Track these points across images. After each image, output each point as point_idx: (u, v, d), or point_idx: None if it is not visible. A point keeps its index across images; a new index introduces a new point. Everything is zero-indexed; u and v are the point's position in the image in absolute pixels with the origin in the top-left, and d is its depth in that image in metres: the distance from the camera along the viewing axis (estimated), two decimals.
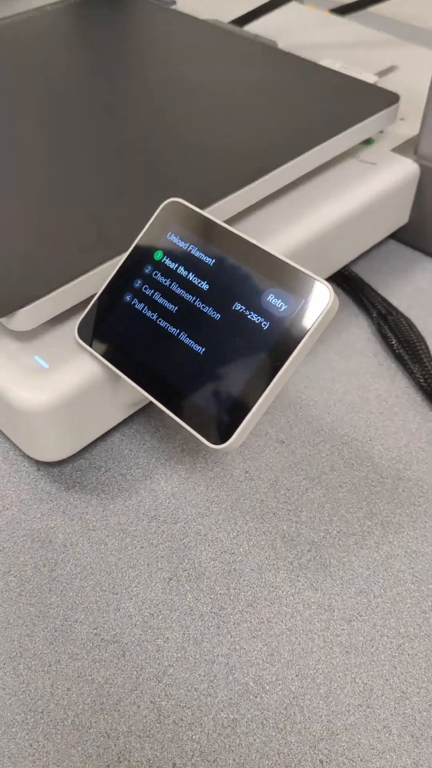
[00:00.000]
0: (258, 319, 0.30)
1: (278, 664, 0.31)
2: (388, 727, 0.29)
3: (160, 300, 0.33)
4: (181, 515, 0.35)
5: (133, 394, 0.36)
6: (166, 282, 0.33)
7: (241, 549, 0.34)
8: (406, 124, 0.50)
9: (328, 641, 0.31)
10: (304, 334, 0.29)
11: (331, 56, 0.58)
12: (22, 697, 0.30)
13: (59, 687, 0.30)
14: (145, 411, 0.40)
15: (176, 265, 0.33)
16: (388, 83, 0.54)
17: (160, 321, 0.32)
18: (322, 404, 0.41)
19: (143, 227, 0.34)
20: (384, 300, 0.45)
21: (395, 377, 0.42)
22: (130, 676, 0.30)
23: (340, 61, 0.56)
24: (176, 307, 0.32)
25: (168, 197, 0.34)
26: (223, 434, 0.30)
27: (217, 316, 0.31)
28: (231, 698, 0.30)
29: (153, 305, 0.33)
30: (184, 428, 0.32)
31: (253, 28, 0.62)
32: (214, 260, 0.32)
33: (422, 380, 0.41)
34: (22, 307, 0.32)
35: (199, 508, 0.36)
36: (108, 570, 0.33)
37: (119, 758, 0.28)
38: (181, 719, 0.29)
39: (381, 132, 0.48)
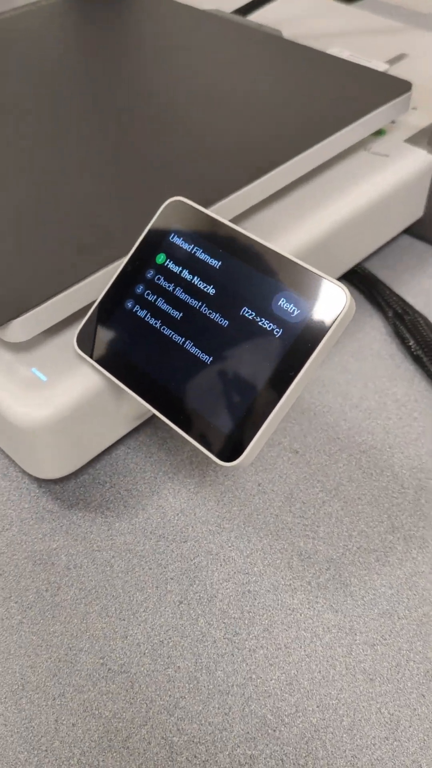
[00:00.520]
0: (269, 326, 0.28)
1: (298, 694, 0.29)
2: (418, 761, 0.27)
3: (164, 306, 0.31)
4: (191, 533, 0.34)
5: (136, 407, 0.34)
6: (169, 287, 0.31)
7: (256, 569, 0.33)
8: (419, 114, 0.48)
9: (351, 668, 0.30)
10: (319, 341, 0.27)
11: (339, 45, 0.56)
12: (24, 734, 0.28)
13: (64, 722, 0.28)
14: (150, 421, 0.38)
15: (180, 268, 0.31)
16: (398, 71, 0.53)
17: (164, 329, 0.31)
18: (338, 410, 0.39)
19: (144, 228, 0.33)
20: (400, 298, 0.44)
21: (413, 380, 0.40)
22: (139, 709, 0.29)
23: (348, 50, 0.54)
24: (181, 314, 0.31)
25: (170, 196, 0.33)
26: (233, 450, 0.28)
27: (225, 322, 0.29)
28: (248, 732, 0.28)
29: (156, 312, 0.31)
30: (191, 444, 0.31)
31: (257, 17, 0.60)
32: (220, 262, 0.30)
33: None
34: (16, 317, 0.30)
35: (209, 525, 0.34)
36: (114, 594, 0.32)
37: None
38: (195, 756, 0.27)
39: (393, 122, 0.47)
